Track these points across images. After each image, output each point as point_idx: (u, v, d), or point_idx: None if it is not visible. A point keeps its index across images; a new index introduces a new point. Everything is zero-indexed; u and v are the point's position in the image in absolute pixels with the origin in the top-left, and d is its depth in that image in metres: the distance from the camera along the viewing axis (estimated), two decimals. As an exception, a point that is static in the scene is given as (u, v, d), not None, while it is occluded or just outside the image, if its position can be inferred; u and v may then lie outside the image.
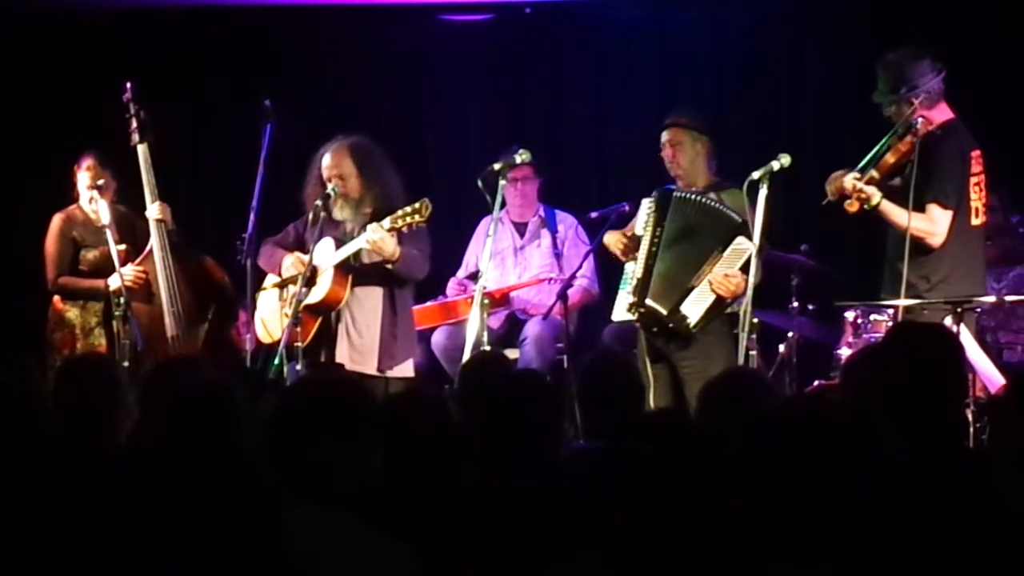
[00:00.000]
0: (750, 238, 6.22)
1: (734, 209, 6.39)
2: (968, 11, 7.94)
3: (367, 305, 6.73)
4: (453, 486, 3.46)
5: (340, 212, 6.75)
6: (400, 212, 6.54)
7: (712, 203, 6.45)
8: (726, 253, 6.34)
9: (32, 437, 2.97)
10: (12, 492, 2.86)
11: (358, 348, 6.70)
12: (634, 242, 6.54)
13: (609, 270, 6.99)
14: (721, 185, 6.57)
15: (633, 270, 6.52)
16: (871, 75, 6.31)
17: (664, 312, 6.37)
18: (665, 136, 6.61)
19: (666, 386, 6.40)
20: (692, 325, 6.34)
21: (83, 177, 6.97)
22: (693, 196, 6.50)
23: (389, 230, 6.52)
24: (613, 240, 6.62)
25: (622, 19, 8.68)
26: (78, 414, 4.26)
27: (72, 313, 6.91)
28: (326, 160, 6.75)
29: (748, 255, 6.21)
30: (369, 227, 6.55)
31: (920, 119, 6.09)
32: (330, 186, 6.71)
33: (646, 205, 6.58)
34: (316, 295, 6.66)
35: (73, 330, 6.90)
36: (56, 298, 6.95)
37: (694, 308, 6.35)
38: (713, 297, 6.33)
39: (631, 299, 6.47)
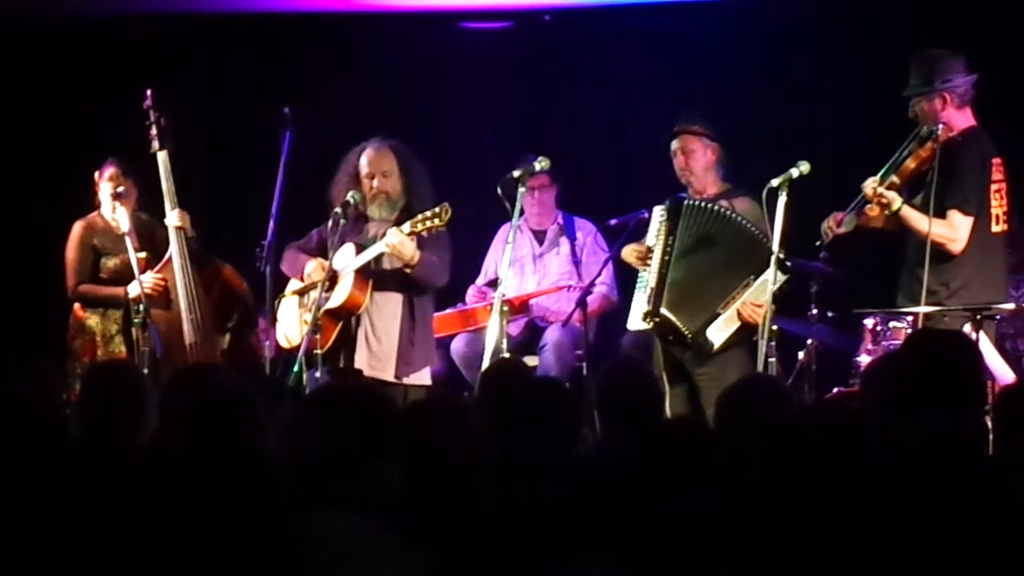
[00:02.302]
0: (785, 271, 6.18)
1: (750, 219, 6.39)
2: (991, 17, 7.91)
3: (386, 311, 6.74)
4: (471, 492, 3.47)
5: (376, 210, 6.78)
6: (420, 216, 6.56)
7: (726, 211, 6.44)
8: (757, 281, 6.33)
9: (47, 442, 2.98)
10: (26, 497, 2.87)
11: (376, 354, 6.71)
12: (651, 252, 6.55)
13: (628, 277, 6.99)
14: (732, 192, 6.57)
15: (647, 279, 6.53)
16: (890, 81, 6.30)
17: (687, 332, 6.37)
18: (676, 143, 6.62)
19: (682, 394, 6.40)
20: (714, 348, 6.35)
21: (105, 186, 6.99)
22: (705, 204, 6.49)
23: (409, 234, 6.53)
24: (629, 252, 6.63)
25: (640, 26, 8.68)
26: (102, 420, 4.28)
27: (93, 320, 6.93)
28: (367, 157, 6.78)
29: (777, 283, 6.17)
30: (389, 231, 6.57)
31: (941, 126, 6.08)
32: (351, 192, 6.73)
33: (658, 214, 6.59)
34: (336, 299, 6.68)
35: (94, 337, 6.92)
36: (77, 305, 6.97)
37: (719, 334, 6.36)
38: (739, 324, 6.34)
39: (646, 307, 6.48)
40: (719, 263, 6.42)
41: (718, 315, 6.36)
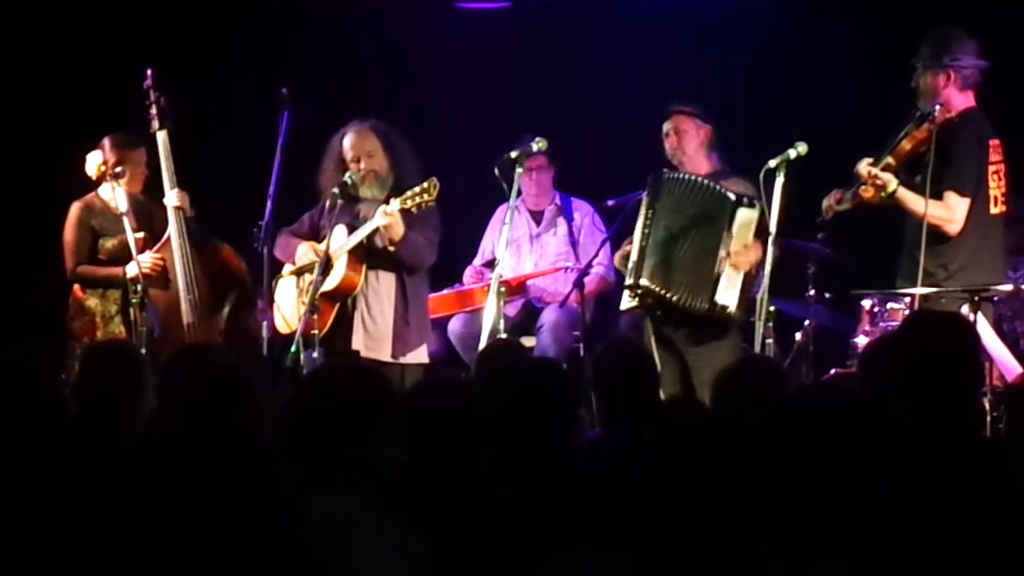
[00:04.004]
0: (751, 206, 6.26)
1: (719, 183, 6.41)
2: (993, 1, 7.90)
3: (381, 291, 6.75)
4: (470, 473, 3.47)
5: (368, 191, 6.78)
6: (408, 192, 6.56)
7: (699, 179, 6.46)
8: (734, 230, 6.34)
9: (46, 422, 2.98)
10: (24, 477, 2.87)
11: (372, 335, 6.73)
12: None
13: (626, 258, 6.98)
14: (725, 174, 6.57)
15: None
16: (889, 62, 6.29)
17: (673, 298, 6.35)
18: (668, 124, 6.61)
19: (674, 373, 6.39)
20: (735, 312, 6.33)
21: (96, 159, 6.91)
22: (681, 176, 6.50)
23: (400, 211, 6.54)
24: (619, 260, 6.67)
25: (639, 6, 8.66)
26: (101, 400, 4.28)
27: (92, 301, 6.93)
28: (349, 141, 6.79)
29: (755, 222, 6.24)
30: (379, 209, 6.58)
31: (938, 107, 6.08)
32: (348, 173, 6.74)
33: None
34: (331, 281, 6.69)
35: (93, 318, 6.91)
36: (76, 286, 6.97)
37: (728, 294, 6.34)
38: (740, 275, 6.34)
39: (630, 281, 6.49)
40: (692, 227, 6.43)
41: (718, 278, 6.35)
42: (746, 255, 6.31)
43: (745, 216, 6.32)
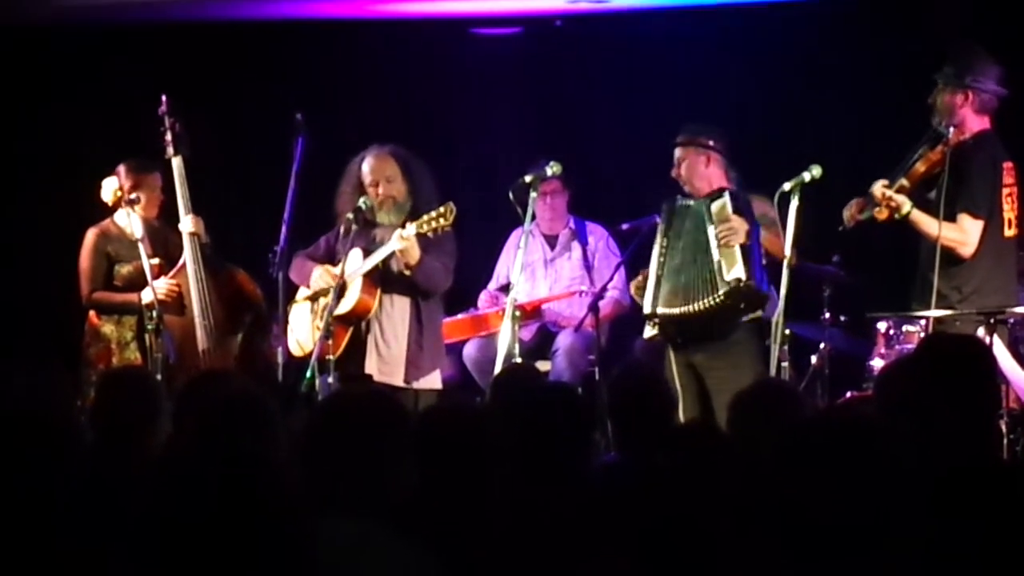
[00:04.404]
0: (719, 196, 6.41)
1: (757, 210, 6.44)
2: (1011, 19, 7.88)
3: (395, 316, 6.75)
4: (484, 498, 3.47)
5: (385, 217, 6.78)
6: (425, 217, 6.57)
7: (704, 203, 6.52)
8: (715, 220, 6.40)
9: (59, 448, 2.98)
10: (36, 502, 2.88)
11: (386, 359, 6.73)
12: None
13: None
14: (744, 192, 6.59)
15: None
16: (903, 86, 6.29)
17: (721, 295, 6.33)
18: (678, 153, 6.64)
19: (694, 397, 6.40)
20: (747, 281, 6.30)
21: (112, 185, 6.94)
22: (692, 203, 6.52)
23: (416, 235, 6.55)
24: (635, 290, 6.70)
25: (652, 31, 8.68)
26: (116, 427, 4.29)
27: (108, 328, 6.94)
28: (368, 165, 6.80)
29: (727, 205, 6.36)
30: (396, 233, 6.58)
31: (952, 129, 6.08)
32: (363, 198, 6.75)
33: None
34: (346, 305, 6.69)
35: (109, 344, 6.92)
36: (92, 313, 6.98)
37: (734, 271, 6.34)
38: (735, 249, 6.34)
39: (648, 311, 6.51)
40: (692, 243, 6.49)
41: (719, 265, 6.35)
42: (730, 231, 6.34)
43: (718, 204, 6.43)
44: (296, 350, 6.86)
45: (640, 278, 6.67)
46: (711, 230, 6.40)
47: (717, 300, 6.35)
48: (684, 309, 6.43)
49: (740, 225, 6.35)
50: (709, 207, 6.46)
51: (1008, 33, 7.71)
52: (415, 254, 6.57)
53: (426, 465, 3.33)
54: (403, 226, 6.63)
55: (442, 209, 6.56)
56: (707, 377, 6.42)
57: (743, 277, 6.31)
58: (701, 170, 6.59)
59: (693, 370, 6.46)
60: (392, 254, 6.63)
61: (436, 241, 6.64)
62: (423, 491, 3.26)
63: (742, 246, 6.33)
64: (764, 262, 6.42)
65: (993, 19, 7.86)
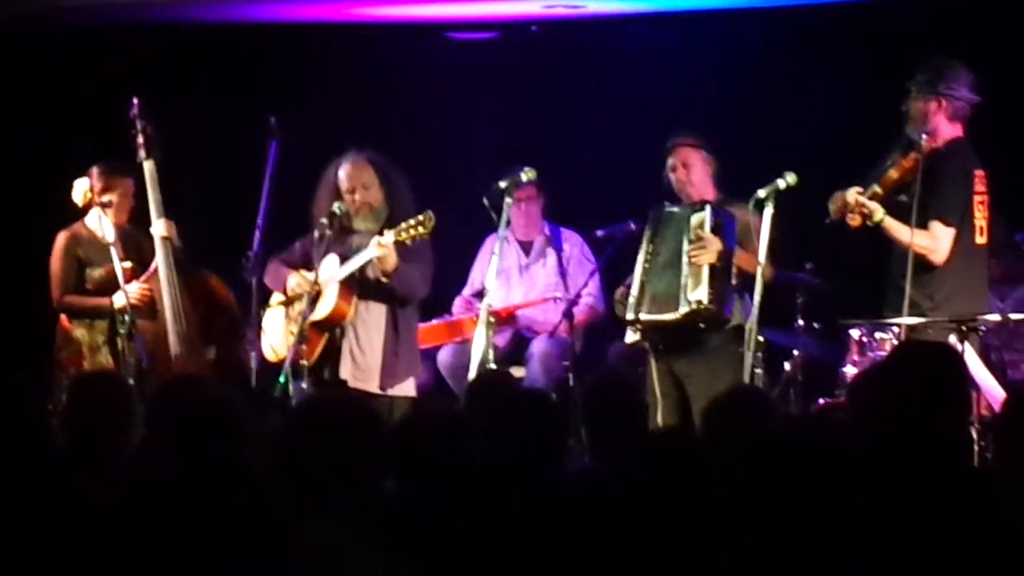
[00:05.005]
0: (700, 209, 6.44)
1: (741, 220, 6.45)
2: (985, 30, 7.92)
3: (371, 323, 6.74)
4: (459, 504, 3.47)
5: (362, 223, 6.77)
6: (404, 224, 6.56)
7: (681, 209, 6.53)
8: (691, 234, 6.43)
9: (33, 455, 2.97)
10: (13, 510, 2.86)
11: (360, 366, 6.72)
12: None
13: (615, 288, 7.00)
14: (729, 201, 6.61)
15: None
16: (878, 94, 6.31)
17: (680, 315, 6.36)
18: (673, 158, 6.64)
19: (674, 404, 6.43)
20: (707, 303, 6.33)
21: (83, 187, 6.90)
22: (677, 209, 6.54)
23: (393, 243, 6.54)
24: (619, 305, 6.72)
25: (628, 37, 8.69)
26: (88, 432, 4.26)
27: (79, 332, 6.90)
28: (345, 171, 6.79)
29: (706, 220, 6.38)
30: (373, 240, 6.57)
31: (924, 136, 6.11)
32: (337, 204, 6.73)
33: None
34: (321, 311, 6.68)
35: (80, 349, 6.89)
36: (63, 317, 6.94)
37: (698, 291, 6.37)
38: (703, 269, 6.36)
39: (631, 316, 6.53)
40: (674, 249, 6.50)
41: (685, 282, 6.38)
42: (701, 250, 6.36)
43: (697, 218, 6.45)
44: (270, 355, 6.84)
45: (624, 288, 6.68)
46: (685, 244, 6.43)
47: (676, 318, 6.39)
48: (658, 317, 6.46)
49: (712, 245, 6.37)
50: (689, 218, 6.48)
51: (979, 41, 7.75)
52: (393, 261, 6.56)
53: (401, 472, 3.33)
54: (380, 233, 6.62)
55: (421, 217, 6.55)
56: (687, 384, 6.45)
57: (704, 300, 6.36)
58: (701, 175, 6.61)
59: (673, 377, 6.49)
60: (369, 261, 6.62)
61: (414, 249, 6.63)
62: (398, 498, 3.26)
63: (711, 266, 6.35)
64: (735, 282, 6.43)
65: (966, 28, 7.90)
